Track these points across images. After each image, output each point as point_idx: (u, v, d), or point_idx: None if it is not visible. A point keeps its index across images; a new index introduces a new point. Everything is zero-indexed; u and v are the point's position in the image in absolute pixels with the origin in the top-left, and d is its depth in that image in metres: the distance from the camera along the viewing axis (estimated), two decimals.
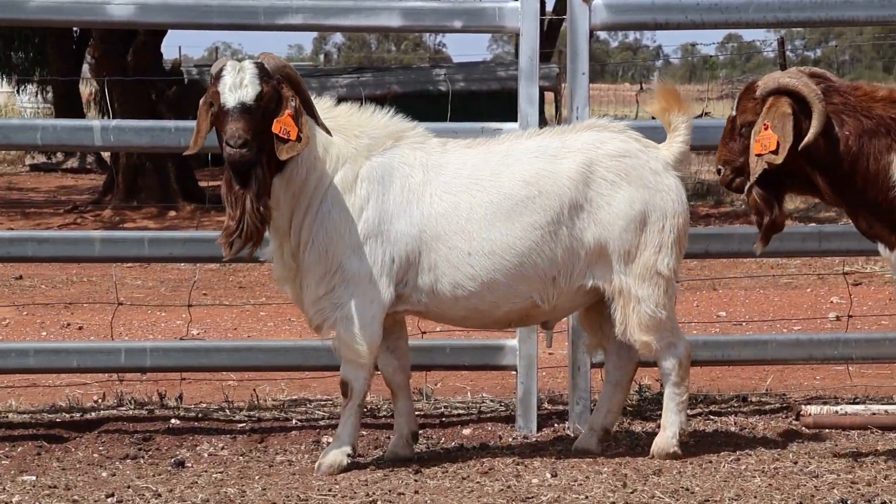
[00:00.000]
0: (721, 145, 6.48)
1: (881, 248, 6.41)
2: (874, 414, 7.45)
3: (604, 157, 6.63)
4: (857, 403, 7.90)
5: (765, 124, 6.18)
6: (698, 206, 19.22)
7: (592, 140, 6.68)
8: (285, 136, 6.30)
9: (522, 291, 6.60)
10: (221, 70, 6.33)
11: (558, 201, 6.58)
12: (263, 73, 6.31)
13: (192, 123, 6.64)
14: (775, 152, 6.17)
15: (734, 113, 6.44)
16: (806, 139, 6.13)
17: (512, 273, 6.56)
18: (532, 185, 6.57)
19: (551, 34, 29.31)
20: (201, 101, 6.38)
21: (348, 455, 6.58)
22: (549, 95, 29.13)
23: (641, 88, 26.67)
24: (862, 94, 6.32)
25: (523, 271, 6.57)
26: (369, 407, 7.87)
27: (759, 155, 6.20)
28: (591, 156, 6.63)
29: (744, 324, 10.52)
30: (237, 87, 6.27)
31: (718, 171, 6.51)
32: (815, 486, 6.17)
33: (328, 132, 6.46)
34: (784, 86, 6.25)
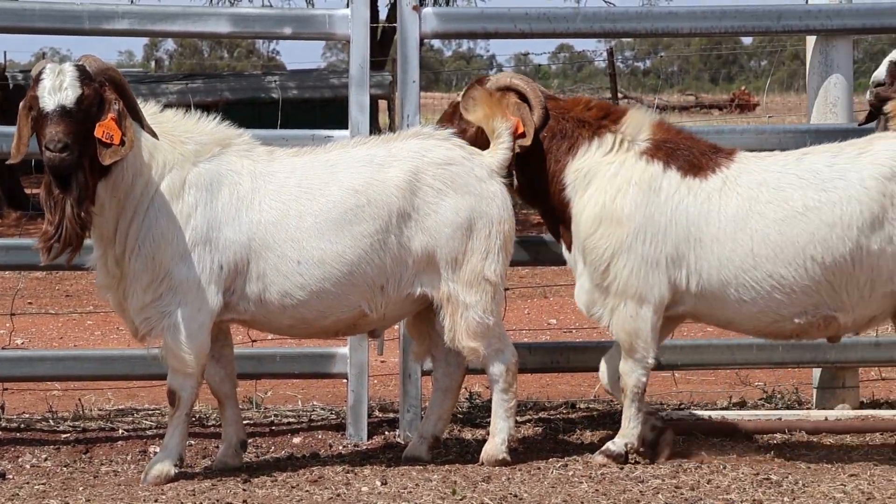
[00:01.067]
0: (438, 125, 6.95)
1: (563, 249, 6.88)
2: (698, 419, 7.57)
3: (430, 165, 6.65)
4: (682, 409, 8.03)
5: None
6: (530, 215, 19.38)
7: (418, 148, 6.69)
8: (108, 141, 6.20)
9: (351, 301, 6.58)
10: (41, 73, 6.20)
11: (386, 210, 6.57)
12: (84, 75, 6.20)
13: (14, 129, 6.50)
14: (523, 136, 6.74)
15: (460, 99, 6.93)
16: (534, 128, 6.76)
17: (341, 282, 6.54)
18: (361, 194, 6.56)
19: (385, 42, 29.32)
20: (21, 105, 6.25)
21: (175, 465, 6.50)
22: (384, 104, 29.14)
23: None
24: (571, 101, 6.94)
25: (352, 280, 6.55)
26: (197, 416, 7.78)
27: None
28: (418, 164, 6.64)
29: (574, 331, 10.62)
30: (57, 90, 6.15)
31: None
32: (641, 491, 6.24)
33: (155, 136, 6.38)
34: (514, 85, 6.86)
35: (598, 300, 6.77)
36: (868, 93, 7.12)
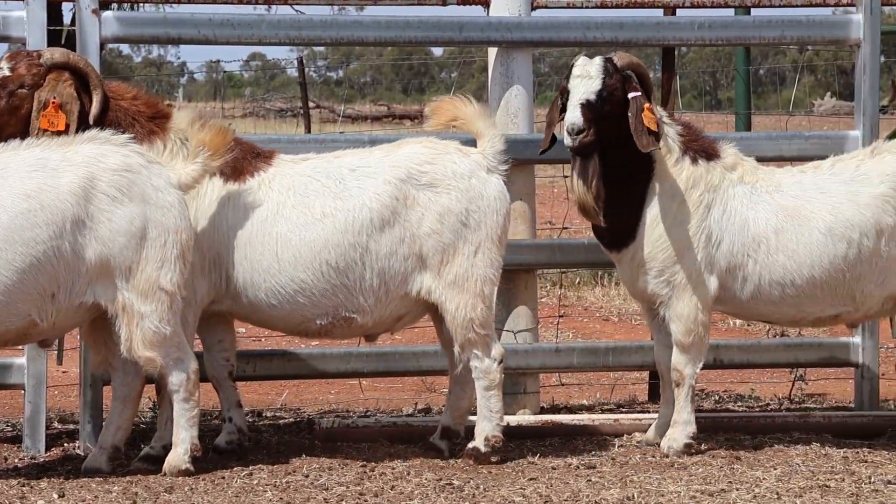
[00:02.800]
0: None
1: None
2: (384, 426, 7.63)
3: (105, 171, 6.51)
4: (369, 416, 8.08)
5: (52, 101, 6.37)
6: None
7: (94, 153, 6.55)
8: None
9: (21, 309, 6.39)
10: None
11: (60, 216, 6.41)
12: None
13: None
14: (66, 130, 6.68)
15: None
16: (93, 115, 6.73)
17: (10, 290, 6.34)
18: (33, 199, 6.39)
19: (71, 46, 28.66)
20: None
21: None
22: None
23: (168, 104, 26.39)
24: (118, 87, 6.94)
25: (23, 288, 6.36)
26: None
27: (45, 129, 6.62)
28: (93, 170, 6.50)
29: (262, 339, 10.57)
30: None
31: None
32: (325, 499, 6.25)
33: None
34: (71, 62, 6.79)
35: None
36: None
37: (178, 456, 6.65)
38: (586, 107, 6.85)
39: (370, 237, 6.85)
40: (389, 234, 6.87)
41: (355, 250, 6.84)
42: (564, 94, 6.95)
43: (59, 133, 6.59)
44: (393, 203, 6.87)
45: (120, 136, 6.70)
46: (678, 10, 8.37)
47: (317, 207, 6.85)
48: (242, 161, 6.92)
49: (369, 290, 6.89)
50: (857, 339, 8.03)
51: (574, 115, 6.83)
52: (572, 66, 6.93)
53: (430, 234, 6.89)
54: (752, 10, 8.85)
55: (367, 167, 6.94)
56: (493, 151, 7.05)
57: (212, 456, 7.01)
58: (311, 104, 21.53)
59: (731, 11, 9.22)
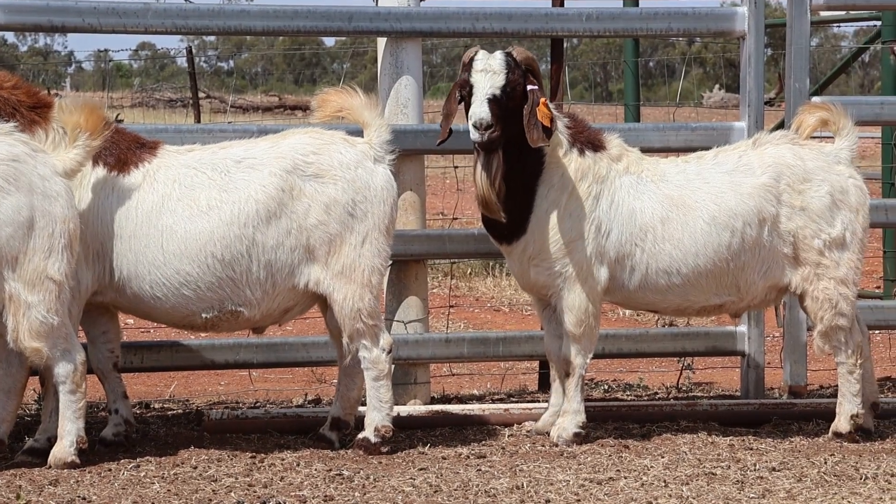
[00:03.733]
0: None
1: None
2: (273, 417, 7.59)
3: None
4: (258, 407, 8.05)
5: None
6: None
7: None
8: None
9: None
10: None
11: None
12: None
13: None
14: None
15: None
16: None
17: None
18: None
19: None
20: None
21: None
22: None
23: (49, 94, 26.07)
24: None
25: None
26: None
27: None
28: None
29: (151, 331, 10.48)
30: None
31: None
32: (213, 490, 6.21)
33: None
34: None
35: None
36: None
37: (64, 448, 6.57)
38: (493, 102, 6.85)
39: (256, 229, 6.82)
40: (276, 225, 6.84)
41: (241, 242, 6.80)
42: (465, 87, 6.94)
43: None
44: (279, 195, 6.84)
45: (4, 124, 6.60)
46: (566, 2, 8.42)
47: (202, 200, 6.80)
48: (127, 152, 6.86)
49: (256, 283, 6.85)
50: (742, 329, 8.13)
51: (482, 111, 6.83)
52: (472, 59, 6.93)
53: (317, 225, 6.86)
54: (639, 2, 8.93)
55: (253, 158, 6.90)
56: (379, 141, 7.04)
57: (98, 448, 6.93)
58: (201, 94, 21.37)
59: (619, 3, 9.30)
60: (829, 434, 7.37)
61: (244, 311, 6.88)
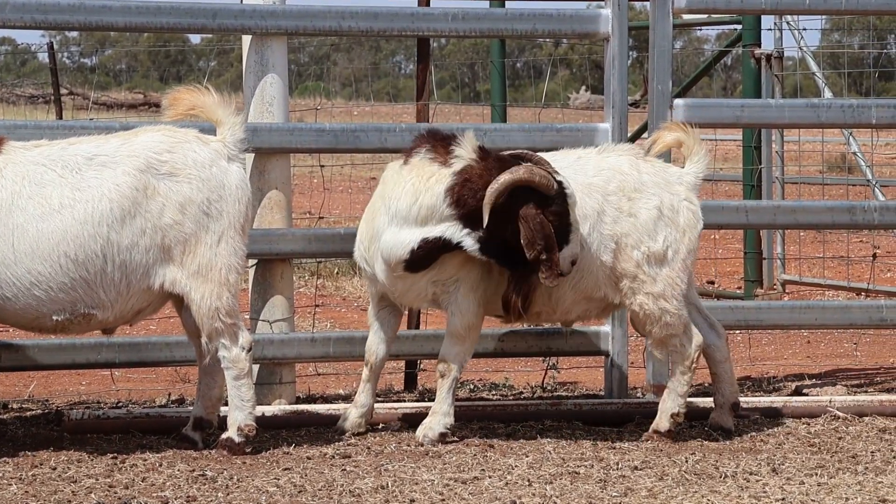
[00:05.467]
0: None
1: None
2: (136, 417, 7.51)
3: None
4: (120, 407, 7.95)
5: None
6: None
7: None
8: None
9: None
10: None
11: None
12: None
13: None
14: None
15: None
16: None
17: None
18: None
19: None
20: None
21: None
22: None
23: None
24: None
25: None
26: None
27: None
28: None
29: (10, 329, 10.31)
30: None
31: None
32: (73, 492, 6.13)
33: None
34: None
35: None
36: None
37: None
38: None
39: (111, 228, 6.72)
40: (131, 225, 6.75)
41: (96, 242, 6.70)
42: (558, 218, 6.92)
43: None
44: (133, 194, 6.75)
45: None
46: (433, 2, 8.44)
47: (54, 198, 6.69)
48: None
49: (110, 284, 6.76)
50: (606, 328, 8.20)
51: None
52: (562, 185, 6.91)
53: (172, 224, 6.79)
54: (506, 2, 8.96)
55: (105, 156, 6.79)
56: (233, 140, 6.99)
57: None
58: (63, 91, 21.06)
59: (486, 3, 9.32)
60: (649, 431, 7.45)
61: (97, 313, 6.78)
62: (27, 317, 6.74)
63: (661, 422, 7.42)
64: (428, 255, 7.02)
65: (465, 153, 6.99)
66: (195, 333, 7.00)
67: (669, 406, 7.41)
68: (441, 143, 7.07)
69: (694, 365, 7.37)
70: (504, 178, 6.81)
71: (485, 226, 6.86)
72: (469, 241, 6.95)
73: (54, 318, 6.74)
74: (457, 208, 6.94)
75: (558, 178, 6.91)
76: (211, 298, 6.84)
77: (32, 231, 6.65)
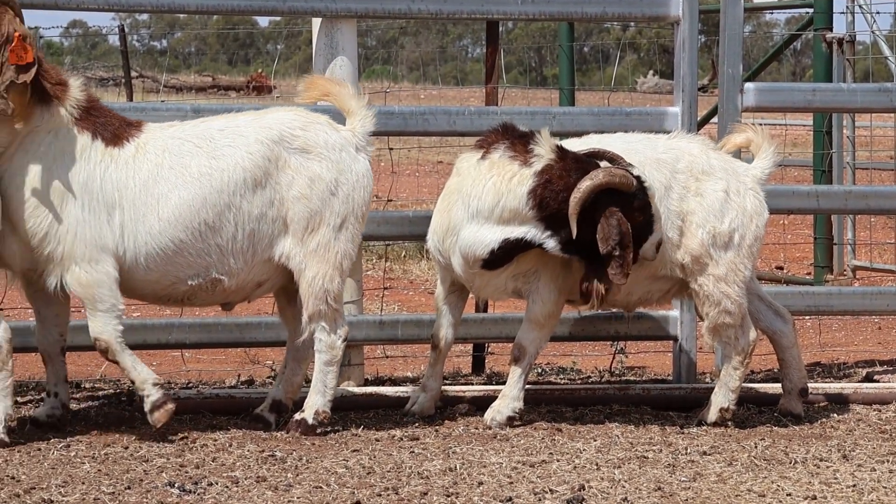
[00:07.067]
0: None
1: None
2: (206, 398, 7.57)
3: None
4: (191, 388, 8.01)
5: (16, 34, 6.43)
6: None
7: None
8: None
9: None
10: None
11: None
12: None
13: None
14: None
15: None
16: None
17: None
18: None
19: None
20: None
21: None
22: None
23: None
24: None
25: None
26: None
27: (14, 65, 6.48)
28: None
29: (81, 310, 10.40)
30: None
31: None
32: (145, 471, 6.18)
33: None
34: None
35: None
36: None
37: None
38: None
39: (243, 197, 6.81)
40: (261, 195, 6.84)
41: (230, 210, 6.79)
42: (642, 212, 6.96)
43: (27, 67, 6.43)
44: (265, 164, 6.84)
45: None
46: None
47: (193, 167, 6.78)
48: (119, 128, 6.80)
49: (239, 252, 6.84)
50: (675, 313, 8.17)
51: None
52: (640, 180, 6.94)
53: (299, 198, 6.87)
54: None
55: (238, 127, 6.90)
56: (363, 131, 7.05)
57: (29, 428, 6.88)
58: (133, 73, 21.21)
59: None
60: (696, 420, 7.43)
61: (225, 279, 6.85)
62: (164, 283, 6.82)
63: (709, 414, 7.39)
64: (507, 254, 7.04)
65: (544, 152, 6.98)
66: (290, 317, 7.11)
67: (719, 400, 7.38)
68: (519, 141, 7.07)
69: (747, 360, 7.35)
70: (585, 185, 6.81)
71: (574, 236, 6.86)
72: (551, 243, 6.97)
73: (189, 282, 6.81)
74: (539, 211, 6.95)
75: (636, 174, 6.90)
76: (324, 279, 6.90)
77: (175, 199, 6.73)
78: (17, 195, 6.60)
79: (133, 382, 6.77)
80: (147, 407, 6.71)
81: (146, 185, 6.72)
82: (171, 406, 6.71)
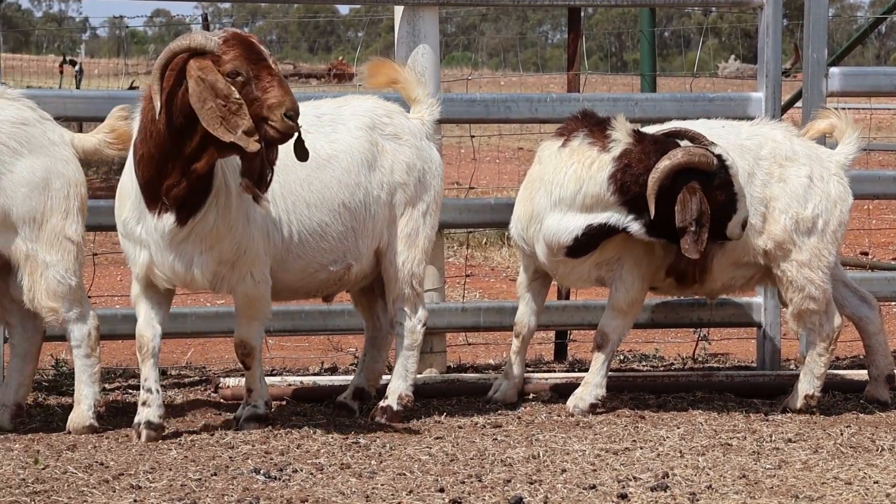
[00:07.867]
0: None
1: None
2: (290, 385, 7.62)
3: (3, 123, 6.45)
4: (275, 375, 8.06)
5: None
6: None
7: None
8: None
9: None
10: None
11: None
12: None
13: None
14: None
15: None
16: None
17: None
18: None
19: None
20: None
21: None
22: None
23: (65, 61, 26.12)
24: None
25: None
26: None
27: None
28: None
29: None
30: None
31: None
32: (230, 457, 6.23)
33: None
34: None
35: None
36: None
37: (82, 412, 6.60)
38: None
39: (366, 178, 6.85)
40: (373, 177, 6.88)
41: (359, 190, 6.82)
42: (724, 189, 6.91)
43: None
44: (370, 147, 6.89)
45: (13, 90, 6.64)
46: None
47: (320, 150, 6.71)
48: None
49: (366, 235, 6.87)
50: (759, 300, 8.12)
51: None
52: (722, 159, 6.88)
53: (402, 184, 6.94)
54: None
55: (330, 114, 6.89)
56: (430, 119, 7.08)
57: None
58: None
59: None
60: (781, 407, 7.38)
61: (354, 264, 6.87)
62: (307, 271, 6.73)
63: (794, 401, 7.34)
64: (591, 241, 7.03)
65: (621, 136, 6.96)
66: (365, 306, 7.15)
67: (804, 387, 7.33)
68: (598, 127, 7.06)
69: (832, 346, 7.29)
70: (663, 164, 6.79)
71: (651, 216, 6.84)
72: (635, 226, 6.95)
73: (331, 268, 6.78)
74: (620, 195, 6.93)
75: (717, 152, 6.86)
76: (412, 264, 6.94)
77: (316, 183, 6.73)
78: None
79: (249, 391, 6.75)
80: (246, 415, 6.72)
81: (286, 170, 6.51)
82: (267, 426, 6.72)
